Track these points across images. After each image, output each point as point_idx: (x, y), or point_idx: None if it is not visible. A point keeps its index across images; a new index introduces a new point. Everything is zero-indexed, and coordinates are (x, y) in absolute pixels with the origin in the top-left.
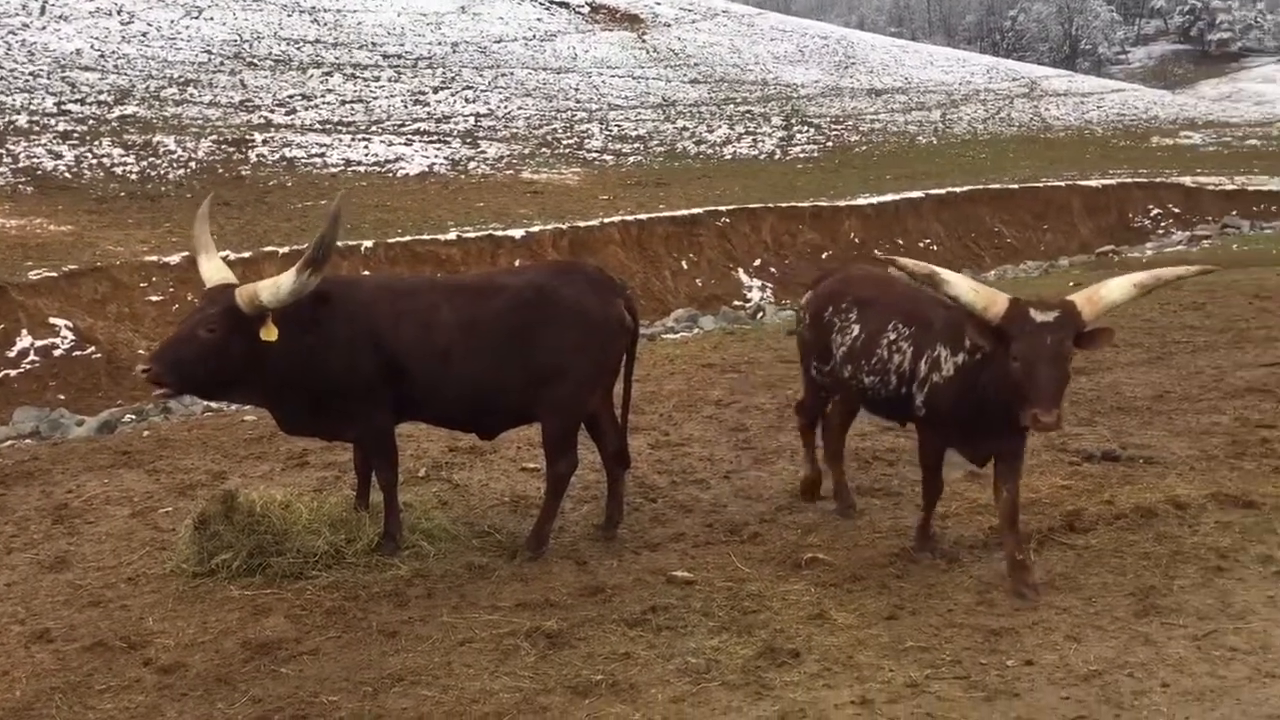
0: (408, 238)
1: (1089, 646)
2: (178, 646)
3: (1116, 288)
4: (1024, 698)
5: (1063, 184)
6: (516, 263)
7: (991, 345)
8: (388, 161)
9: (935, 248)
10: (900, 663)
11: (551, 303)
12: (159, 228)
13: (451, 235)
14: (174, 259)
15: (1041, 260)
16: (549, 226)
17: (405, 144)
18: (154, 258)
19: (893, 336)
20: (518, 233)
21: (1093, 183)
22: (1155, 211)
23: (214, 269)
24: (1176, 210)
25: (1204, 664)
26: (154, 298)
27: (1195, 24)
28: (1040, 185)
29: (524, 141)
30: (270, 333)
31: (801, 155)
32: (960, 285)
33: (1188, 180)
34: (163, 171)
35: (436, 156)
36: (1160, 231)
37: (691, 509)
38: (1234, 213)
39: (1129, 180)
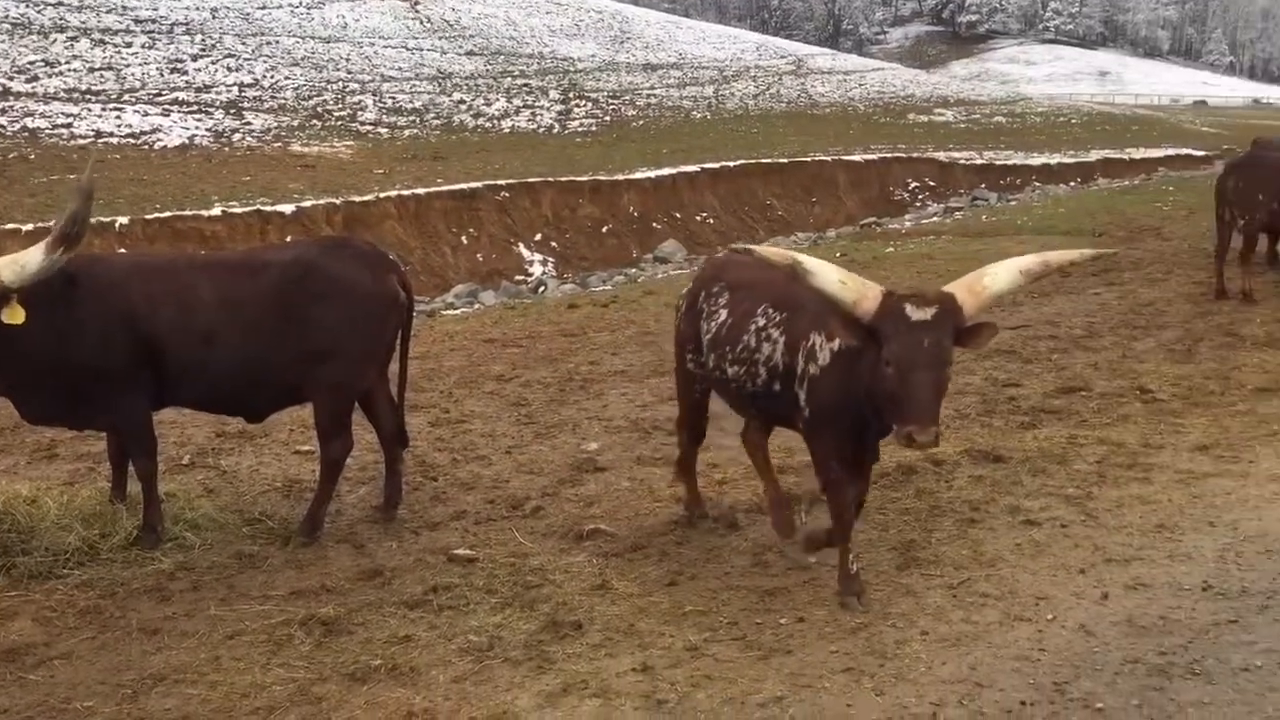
0: (167, 213)
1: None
2: None
3: (1003, 276)
4: (796, 654)
5: (829, 159)
6: (288, 239)
7: (862, 344)
8: (143, 133)
9: (711, 220)
10: (680, 628)
11: (321, 279)
12: None
13: (216, 211)
14: None
15: (811, 232)
16: (322, 201)
17: (163, 114)
18: None
19: (761, 323)
20: (288, 208)
21: (857, 157)
22: (913, 185)
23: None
24: (932, 184)
25: (959, 610)
26: None
27: (947, 6)
28: (809, 160)
29: (293, 113)
30: (15, 315)
31: (580, 129)
32: (826, 276)
33: (942, 155)
34: None
35: (198, 128)
36: (918, 204)
37: (473, 486)
38: (983, 186)
39: (889, 155)
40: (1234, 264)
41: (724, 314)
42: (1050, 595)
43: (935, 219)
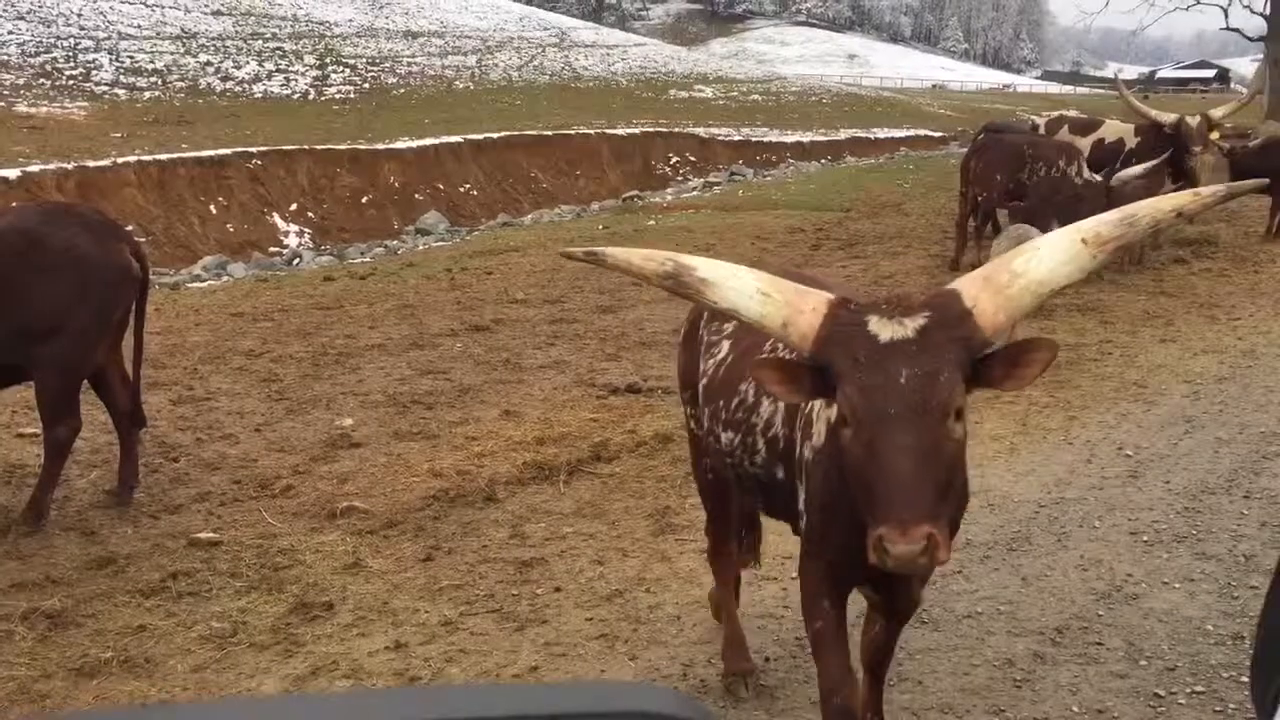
0: None
1: (612, 568)
2: None
3: (1048, 255)
4: (552, 623)
5: (593, 132)
6: (14, 205)
7: (805, 396)
8: None
9: (475, 192)
10: (435, 603)
11: (41, 249)
12: None
13: None
14: None
15: (575, 205)
16: (51, 166)
17: None
18: None
19: None
20: (12, 173)
21: (620, 131)
22: (675, 159)
23: None
24: (693, 159)
25: (709, 574)
26: None
27: None
28: (573, 133)
29: (18, 71)
30: None
31: (338, 96)
32: (731, 285)
33: (702, 131)
34: None
35: None
36: (679, 178)
37: (219, 466)
38: (740, 162)
39: (652, 130)
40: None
41: (725, 347)
42: (794, 555)
43: (695, 193)
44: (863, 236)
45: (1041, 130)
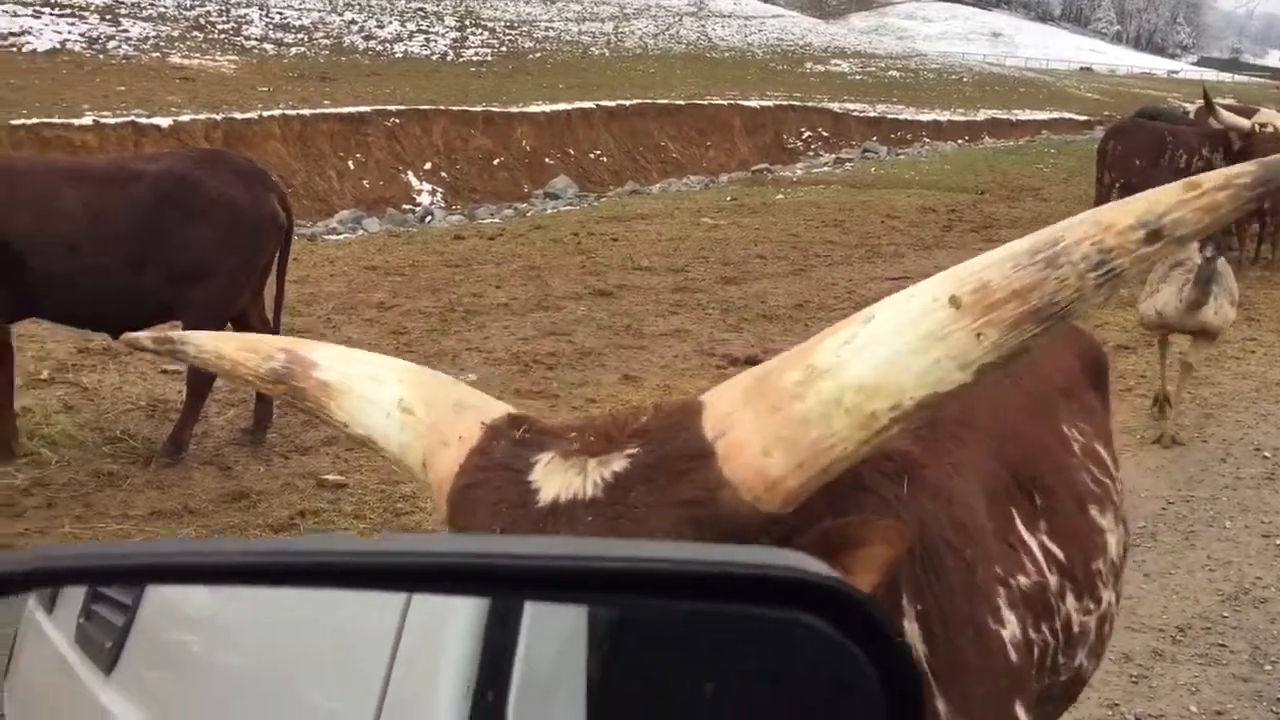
0: (34, 120)
1: None
2: None
3: (884, 337)
4: None
5: (725, 103)
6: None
7: None
8: (11, 34)
9: (605, 159)
10: None
11: (195, 194)
12: None
13: (87, 120)
14: None
15: (704, 176)
16: (201, 116)
17: (33, 16)
18: None
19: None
20: (165, 121)
21: (753, 103)
22: (807, 134)
23: None
24: (825, 134)
25: None
26: None
27: None
28: (705, 103)
29: (173, 23)
30: None
31: (475, 58)
32: (364, 392)
33: (836, 106)
34: None
35: (70, 32)
36: (810, 153)
37: None
38: (874, 138)
39: (785, 103)
40: None
41: None
42: None
43: (826, 169)
44: (997, 220)
45: (1192, 117)
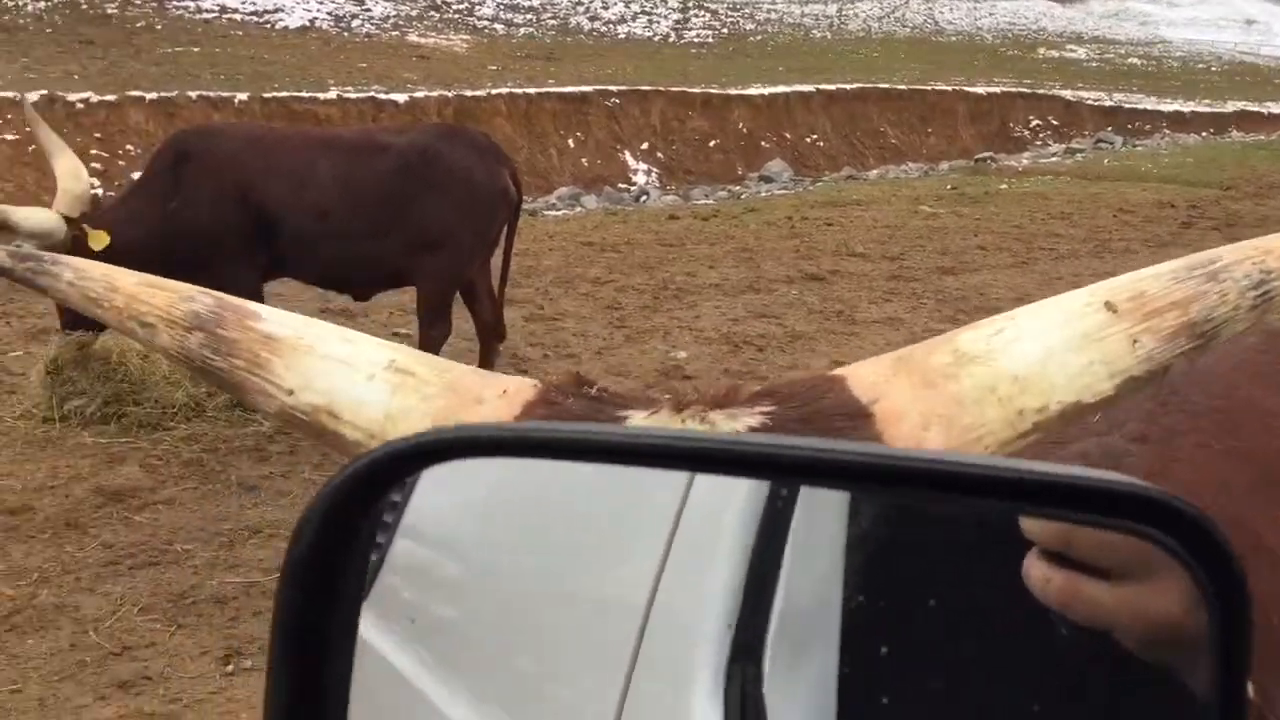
0: (284, 93)
1: None
2: (25, 490)
3: (1040, 329)
4: None
5: (949, 89)
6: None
7: None
8: (266, 11)
9: (821, 143)
10: None
11: (436, 167)
12: (14, 62)
13: (332, 94)
14: (33, 97)
15: (924, 163)
16: (434, 93)
17: None
18: (9, 94)
19: None
20: (401, 97)
21: (978, 90)
22: (1035, 122)
23: (68, 169)
24: (1055, 123)
25: None
26: (8, 136)
27: None
28: (928, 89)
29: (412, 2)
30: (99, 240)
31: (696, 40)
32: (329, 350)
33: (1068, 94)
34: (21, 2)
35: (319, 10)
36: (1038, 142)
37: None
38: (1109, 129)
39: (1013, 90)
40: None
41: None
42: None
43: (1055, 159)
44: (1242, 218)
45: None
